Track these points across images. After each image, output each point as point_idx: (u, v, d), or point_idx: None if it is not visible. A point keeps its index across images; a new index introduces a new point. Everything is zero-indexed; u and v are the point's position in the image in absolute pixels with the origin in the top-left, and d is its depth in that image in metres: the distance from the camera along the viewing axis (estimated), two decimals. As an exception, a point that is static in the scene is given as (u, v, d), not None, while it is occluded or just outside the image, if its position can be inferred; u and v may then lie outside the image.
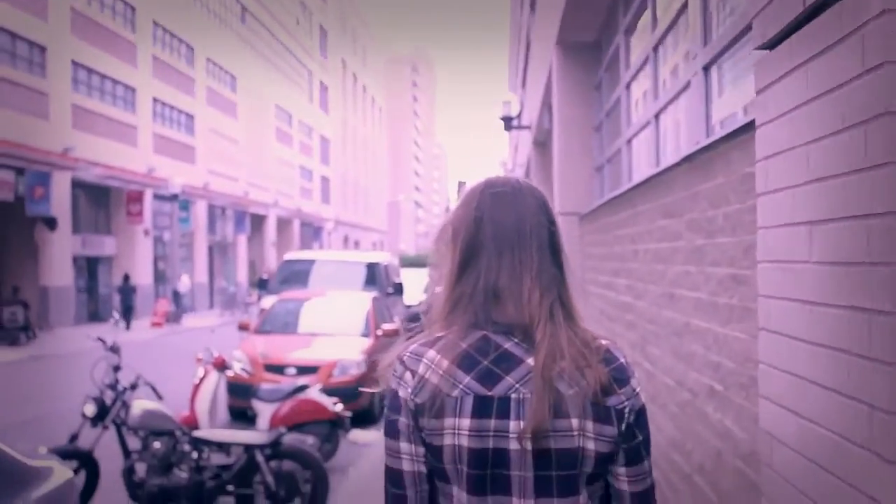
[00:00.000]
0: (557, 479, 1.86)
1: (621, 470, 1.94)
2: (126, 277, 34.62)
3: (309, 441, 9.89)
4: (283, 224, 63.46)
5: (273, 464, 7.92)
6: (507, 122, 21.75)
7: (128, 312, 33.24)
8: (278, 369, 12.81)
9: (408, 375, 1.95)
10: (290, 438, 9.59)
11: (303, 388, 10.34)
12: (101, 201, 37.92)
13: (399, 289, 20.72)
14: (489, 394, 1.87)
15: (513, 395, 1.87)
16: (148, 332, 32.00)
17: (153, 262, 40.92)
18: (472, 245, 2.00)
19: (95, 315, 36.76)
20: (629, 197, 6.85)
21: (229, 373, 10.14)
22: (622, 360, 1.95)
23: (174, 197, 37.52)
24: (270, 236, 58.63)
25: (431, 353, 1.94)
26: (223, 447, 7.96)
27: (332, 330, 14.18)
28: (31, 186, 29.42)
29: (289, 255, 21.58)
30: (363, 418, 12.84)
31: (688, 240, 4.92)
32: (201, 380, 10.09)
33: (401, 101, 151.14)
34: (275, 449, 7.90)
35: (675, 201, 5.23)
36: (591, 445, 1.86)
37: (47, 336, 29.44)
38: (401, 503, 1.96)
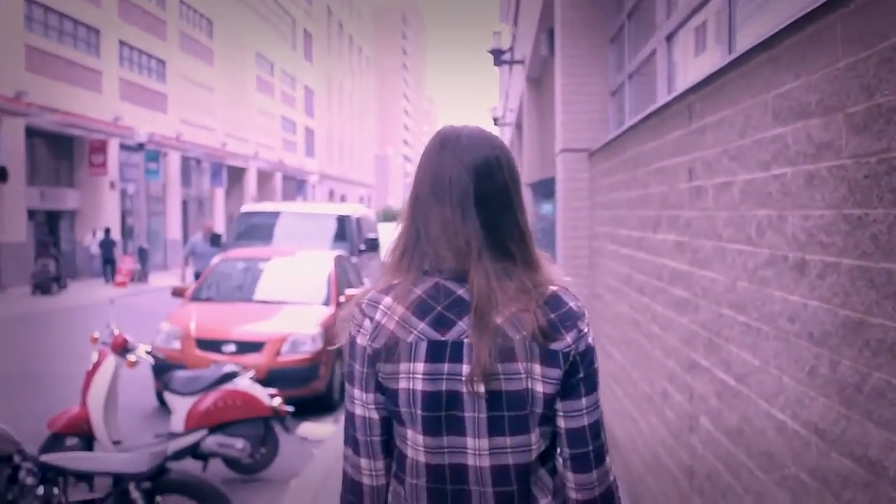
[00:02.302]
0: (509, 419, 1.96)
1: (558, 405, 2.01)
2: (107, 231, 33.67)
3: (238, 445, 7.77)
4: (264, 177, 60.74)
5: (158, 501, 5.52)
6: (498, 55, 19.05)
7: (109, 267, 32.58)
8: (214, 345, 10.39)
9: (366, 322, 2.04)
10: (212, 445, 7.48)
11: (230, 375, 7.99)
12: (62, 152, 35.28)
13: (374, 245, 18.05)
14: (443, 338, 1.97)
15: (465, 340, 1.96)
16: (110, 291, 29.53)
17: (120, 217, 38.28)
18: (416, 195, 2.10)
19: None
20: (689, 103, 4.38)
21: (136, 355, 7.72)
22: (571, 304, 2.02)
23: (140, 147, 34.79)
24: (250, 190, 55.95)
25: (387, 299, 2.03)
26: (84, 477, 5.56)
27: (285, 297, 11.67)
28: (-24, 134, 26.88)
29: (247, 207, 18.81)
30: (318, 405, 10.45)
31: (833, 155, 2.52)
32: (95, 366, 7.70)
33: (390, 52, 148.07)
34: (157, 479, 5.47)
35: (805, 87, 2.78)
36: (539, 387, 1.96)
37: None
38: (354, 445, 2.09)
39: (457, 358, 1.95)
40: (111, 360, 7.70)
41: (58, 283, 29.45)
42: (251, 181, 56.31)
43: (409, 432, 2.01)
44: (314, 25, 75.65)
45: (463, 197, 2.02)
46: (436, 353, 1.96)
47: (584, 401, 2.02)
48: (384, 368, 2.00)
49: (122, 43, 38.63)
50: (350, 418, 2.09)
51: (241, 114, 54.67)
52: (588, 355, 2.02)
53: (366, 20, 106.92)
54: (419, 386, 1.96)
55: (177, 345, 10.51)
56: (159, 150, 39.78)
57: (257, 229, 17.33)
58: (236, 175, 54.78)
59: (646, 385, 5.70)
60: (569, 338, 1.98)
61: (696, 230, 4.23)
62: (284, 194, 63.26)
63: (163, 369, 10.46)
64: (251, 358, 10.11)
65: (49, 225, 34.20)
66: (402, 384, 1.97)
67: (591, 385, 2.03)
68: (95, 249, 32.79)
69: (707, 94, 4.07)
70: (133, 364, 7.73)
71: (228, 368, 8.11)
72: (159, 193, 43.27)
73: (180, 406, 7.81)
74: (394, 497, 2.10)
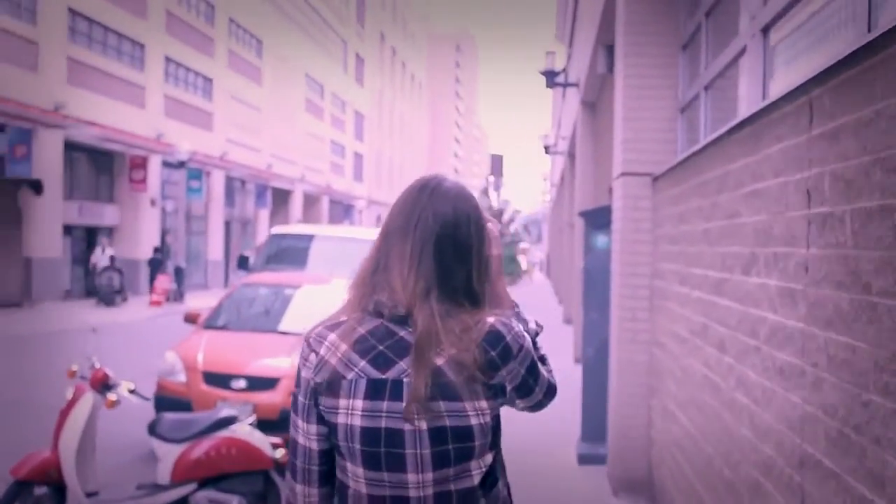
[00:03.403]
0: (454, 450, 2.03)
1: (515, 401, 2.24)
2: (156, 249, 33.78)
3: (232, 503, 6.63)
4: (310, 201, 59.90)
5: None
6: (550, 77, 17.86)
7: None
8: (222, 380, 9.24)
9: (312, 356, 2.15)
10: (201, 502, 6.53)
11: (227, 420, 6.88)
12: (102, 167, 34.62)
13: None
14: (382, 377, 2.06)
15: (405, 379, 2.04)
16: (145, 311, 28.73)
17: (160, 235, 37.50)
18: (385, 229, 2.22)
19: (94, 290, 33.45)
20: (809, 99, 3.19)
21: (117, 393, 6.64)
22: (507, 338, 2.10)
23: (182, 164, 33.99)
24: (296, 213, 55.01)
25: (332, 336, 2.14)
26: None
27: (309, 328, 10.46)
28: (13, 144, 26.17)
29: (278, 229, 17.60)
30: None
31: None
32: (70, 404, 6.63)
33: (442, 80, 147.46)
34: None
35: None
36: (487, 419, 2.07)
37: (28, 311, 26.27)
38: (293, 470, 2.21)
39: (396, 396, 2.03)
40: (89, 397, 6.63)
41: (120, 296, 30.60)
42: (297, 204, 55.45)
43: (349, 465, 2.10)
44: (366, 49, 75.06)
45: (425, 239, 2.12)
46: (375, 390, 2.04)
47: (536, 389, 2.24)
48: (325, 402, 2.10)
49: (168, 59, 37.99)
50: (293, 446, 2.20)
51: (288, 135, 53.92)
52: (531, 366, 2.19)
53: (419, 47, 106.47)
54: (357, 422, 2.05)
55: (181, 378, 9.40)
56: (202, 168, 39.05)
57: (289, 253, 16.13)
58: (282, 197, 53.99)
59: (726, 468, 4.48)
60: (505, 370, 2.10)
61: (821, 275, 3.04)
62: (331, 218, 62.41)
63: (166, 405, 9.42)
64: (263, 396, 8.99)
65: (87, 240, 33.49)
66: (341, 419, 2.07)
67: (537, 377, 2.23)
68: (104, 264, 31.65)
69: (841, 86, 2.90)
70: (113, 404, 6.64)
71: (226, 412, 6.98)
72: (201, 213, 42.51)
73: (168, 454, 6.70)
74: None
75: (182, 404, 9.16)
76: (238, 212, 48.22)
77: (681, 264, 6.07)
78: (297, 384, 2.18)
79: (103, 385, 6.69)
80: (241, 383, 9.18)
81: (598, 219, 9.21)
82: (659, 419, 7.07)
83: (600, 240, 9.12)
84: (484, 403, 2.05)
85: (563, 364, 17.56)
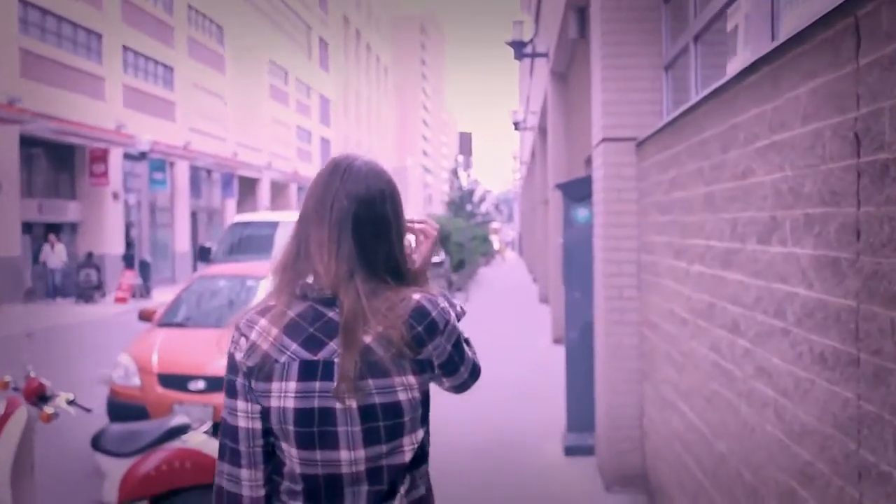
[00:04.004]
0: (385, 427, 2.07)
1: (442, 379, 2.26)
2: (128, 244, 34.47)
3: None
4: (278, 188, 58.96)
5: None
6: (518, 47, 17.15)
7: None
8: (179, 382, 8.54)
9: (242, 341, 2.15)
10: None
11: (179, 430, 6.21)
12: (62, 162, 33.54)
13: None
14: (314, 358, 2.08)
15: (335, 360, 2.07)
16: (110, 307, 27.90)
17: (125, 230, 36.54)
18: (302, 214, 2.24)
19: (56, 290, 32.50)
20: (856, 19, 2.54)
21: (54, 405, 5.95)
22: (433, 313, 2.13)
23: (143, 155, 32.99)
24: (264, 201, 54.00)
25: (263, 321, 2.14)
26: None
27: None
28: (-36, 141, 25.23)
29: (240, 217, 16.83)
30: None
31: None
32: (2, 419, 5.92)
33: (408, 63, 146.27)
34: None
35: None
36: (416, 395, 2.11)
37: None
38: (235, 457, 2.16)
39: (327, 376, 2.06)
40: (23, 411, 5.91)
41: (99, 292, 30.68)
42: (264, 192, 54.49)
43: (284, 445, 2.12)
44: (330, 34, 74.06)
45: (342, 221, 2.14)
46: (307, 372, 2.07)
47: (461, 368, 2.28)
48: (258, 386, 2.11)
49: (126, 48, 36.92)
50: (232, 431, 2.17)
51: (253, 123, 52.91)
52: (457, 344, 2.23)
53: (384, 30, 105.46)
54: (290, 404, 2.07)
55: (135, 381, 8.70)
56: (165, 159, 38.09)
57: (252, 241, 15.40)
58: (249, 186, 53.02)
59: (746, 471, 3.85)
60: (432, 345, 2.13)
61: (880, 239, 2.41)
62: (300, 205, 61.46)
63: (119, 412, 8.73)
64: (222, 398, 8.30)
65: (47, 239, 32.51)
66: (274, 402, 2.08)
67: (462, 356, 2.27)
68: (54, 264, 30.69)
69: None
70: (49, 418, 5.93)
71: (177, 420, 6.30)
72: (166, 204, 41.57)
73: (114, 470, 6.04)
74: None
75: (137, 410, 8.48)
76: (204, 202, 47.25)
77: (674, 236, 5.43)
78: (231, 369, 2.17)
79: (39, 397, 5.97)
80: (200, 384, 8.50)
81: (576, 191, 8.56)
82: (653, 408, 6.43)
83: (580, 213, 8.47)
84: (412, 378, 2.09)
85: (542, 344, 16.95)
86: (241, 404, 2.14)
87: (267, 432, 2.14)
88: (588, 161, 11.77)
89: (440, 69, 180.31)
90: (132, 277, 30.88)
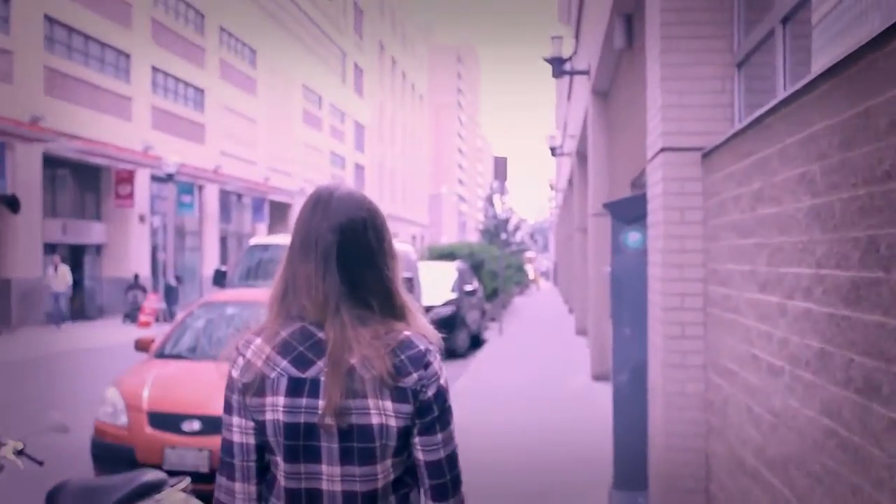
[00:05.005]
0: (358, 450, 2.13)
1: (415, 440, 2.20)
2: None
3: None
4: (310, 214, 58.20)
5: None
6: (557, 64, 16.09)
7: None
8: (171, 422, 7.53)
9: (240, 360, 2.23)
10: None
11: (152, 486, 5.17)
12: (88, 183, 32.93)
13: (410, 286, 15.17)
14: (302, 375, 2.15)
15: (322, 378, 2.14)
16: (133, 332, 27.04)
17: (151, 253, 35.76)
18: (289, 250, 2.29)
19: (81, 312, 31.72)
20: None
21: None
22: (421, 347, 2.19)
23: (170, 177, 32.22)
24: (295, 227, 53.30)
25: (258, 341, 2.23)
26: None
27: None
28: (-16, 160, 24.57)
29: (257, 240, 15.87)
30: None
31: None
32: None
33: (444, 91, 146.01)
34: None
35: None
36: (392, 422, 2.13)
37: (6, 336, 24.58)
38: (230, 471, 2.24)
39: (314, 394, 2.13)
40: (-35, 462, 4.93)
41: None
42: (295, 217, 53.77)
43: (276, 458, 2.19)
44: (365, 60, 73.49)
45: (326, 255, 2.20)
46: (296, 388, 2.15)
47: (439, 436, 2.22)
48: (251, 402, 2.18)
49: (155, 69, 36.32)
50: (228, 447, 2.25)
51: (285, 147, 52.28)
52: (441, 396, 2.21)
53: (420, 57, 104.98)
54: (281, 417, 2.14)
55: (122, 420, 7.69)
56: (194, 182, 37.37)
57: (271, 265, 14.36)
58: (280, 211, 52.28)
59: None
60: (416, 375, 2.16)
61: None
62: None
63: (103, 453, 7.73)
64: (217, 441, 7.24)
65: (73, 260, 31.74)
66: (269, 416, 2.16)
67: (445, 422, 2.23)
68: (59, 287, 28.83)
69: None
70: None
71: (150, 477, 5.26)
72: (195, 228, 40.84)
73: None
74: None
75: (124, 452, 7.51)
76: (234, 226, 46.59)
77: (760, 263, 4.34)
78: (229, 387, 2.24)
79: (-14, 442, 4.98)
80: (195, 425, 7.48)
81: (627, 211, 7.46)
82: (725, 473, 5.31)
83: (631, 238, 7.37)
84: (389, 404, 2.13)
85: (581, 381, 15.79)
86: (236, 420, 2.22)
87: (261, 448, 2.22)
88: (634, 183, 10.70)
89: (476, 97, 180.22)
90: (156, 301, 30.11)
